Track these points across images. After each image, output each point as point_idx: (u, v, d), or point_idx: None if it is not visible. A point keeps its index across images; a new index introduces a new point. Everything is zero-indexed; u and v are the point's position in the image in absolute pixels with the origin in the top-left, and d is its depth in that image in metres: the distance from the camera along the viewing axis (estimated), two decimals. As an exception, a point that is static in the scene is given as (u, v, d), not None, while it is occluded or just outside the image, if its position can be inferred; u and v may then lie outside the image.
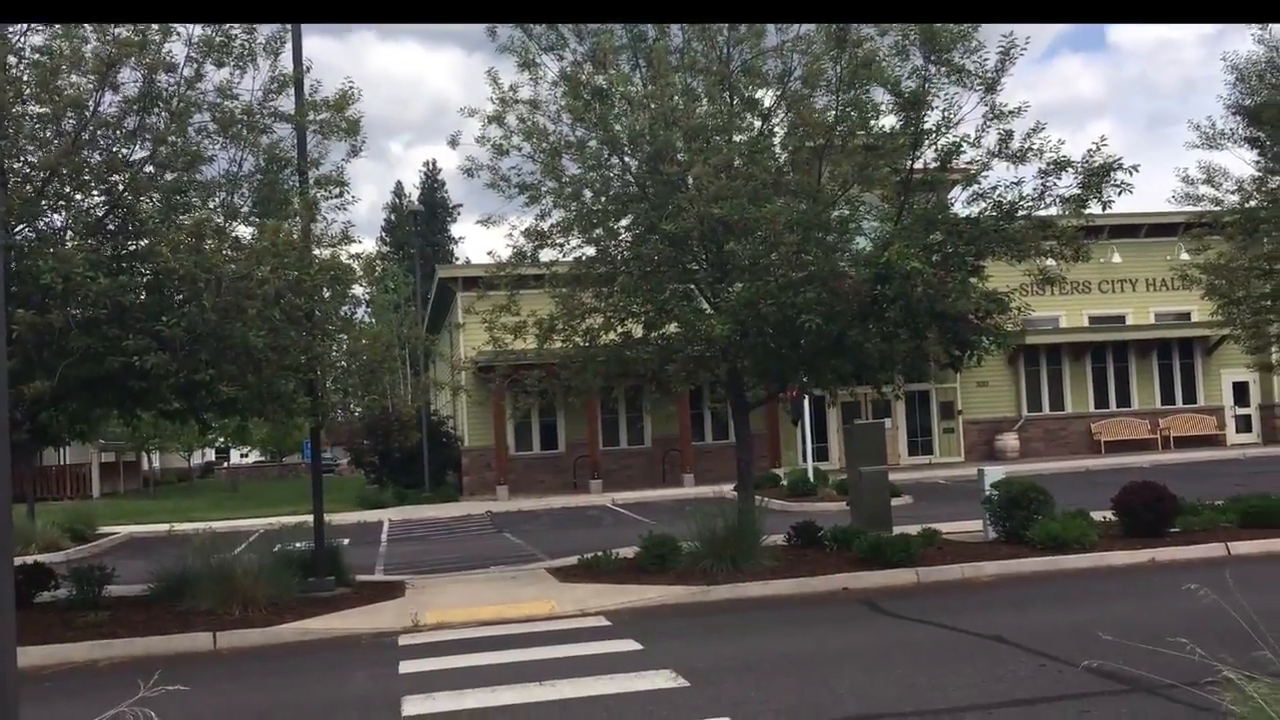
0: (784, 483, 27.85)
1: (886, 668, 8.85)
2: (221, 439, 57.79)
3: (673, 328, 15.26)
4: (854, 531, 14.98)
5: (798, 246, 13.29)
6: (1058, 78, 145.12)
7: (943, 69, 13.56)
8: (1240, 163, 18.21)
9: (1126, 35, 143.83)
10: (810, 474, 27.66)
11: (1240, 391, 37.40)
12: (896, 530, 15.26)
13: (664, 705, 8.00)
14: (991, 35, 14.09)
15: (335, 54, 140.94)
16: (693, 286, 15.44)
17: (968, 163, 14.29)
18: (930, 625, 10.71)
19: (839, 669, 8.89)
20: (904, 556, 13.70)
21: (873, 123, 14.15)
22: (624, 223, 15.56)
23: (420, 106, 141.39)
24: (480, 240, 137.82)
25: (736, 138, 14.99)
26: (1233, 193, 17.83)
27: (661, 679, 8.79)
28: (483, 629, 11.87)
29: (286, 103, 13.97)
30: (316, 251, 13.77)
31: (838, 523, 16.22)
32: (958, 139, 13.91)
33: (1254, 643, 4.60)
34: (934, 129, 13.92)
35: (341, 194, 14.29)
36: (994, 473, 16.20)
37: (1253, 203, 17.73)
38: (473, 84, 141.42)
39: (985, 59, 13.56)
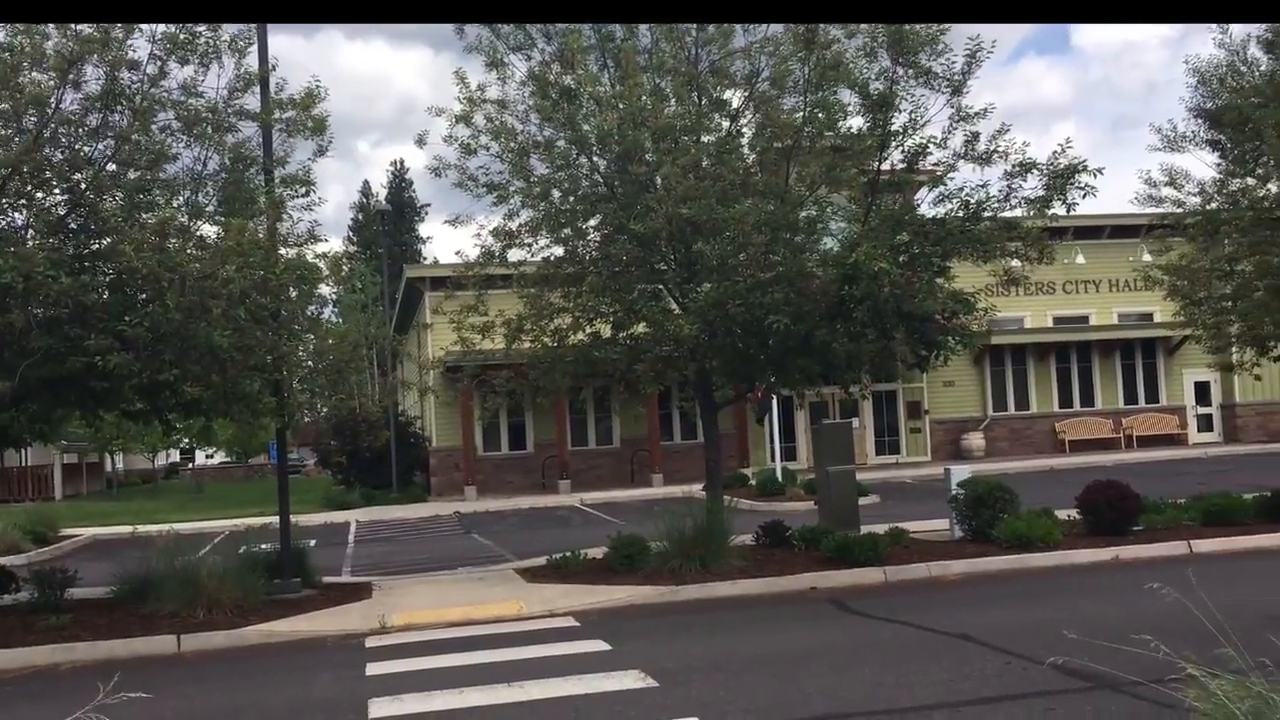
0: (752, 482, 27.91)
1: (855, 666, 8.89)
2: (186, 440, 57.23)
3: (641, 328, 15.26)
4: (822, 531, 15.03)
5: (766, 247, 13.33)
6: (1023, 80, 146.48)
7: (910, 71, 13.64)
8: (1202, 165, 18.37)
9: (1090, 38, 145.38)
10: (778, 474, 27.72)
11: (1202, 391, 37.83)
12: (864, 529, 15.33)
13: (632, 706, 7.99)
14: (958, 37, 14.23)
15: (301, 52, 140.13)
16: (661, 287, 15.45)
17: (934, 164, 14.38)
18: (898, 624, 10.76)
19: (807, 668, 8.91)
20: (871, 555, 13.76)
21: (840, 124, 14.20)
22: (592, 223, 15.55)
23: (387, 105, 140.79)
24: (448, 240, 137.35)
25: (705, 138, 15.01)
26: (1194, 195, 18.01)
27: (630, 679, 8.78)
28: (450, 630, 11.83)
29: (252, 101, 13.90)
30: (282, 251, 13.68)
31: (806, 522, 16.28)
32: (924, 140, 14.00)
33: (1216, 640, 4.65)
34: (901, 130, 13.99)
35: (308, 193, 14.20)
36: (960, 472, 16.31)
37: (1214, 205, 17.92)
38: (441, 83, 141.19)
39: (952, 61, 13.66)
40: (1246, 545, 14.38)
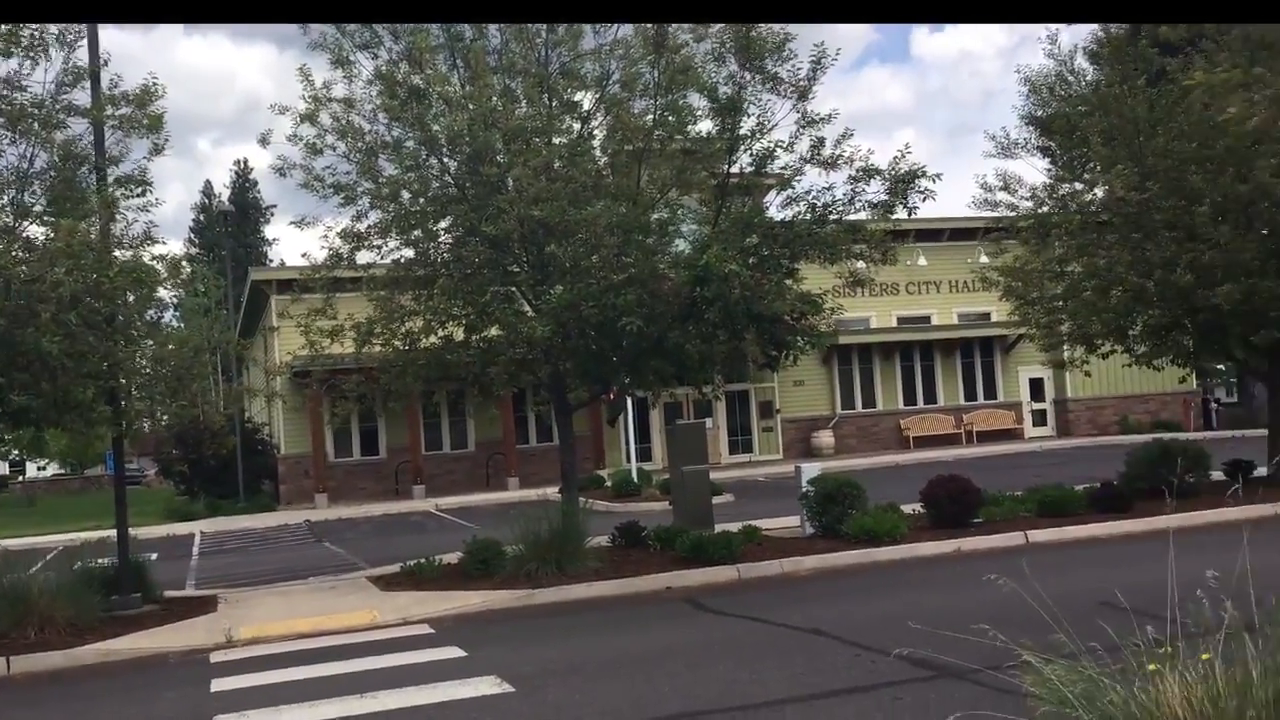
0: (608, 484, 27.97)
1: (710, 664, 8.97)
2: (15, 452, 54.37)
3: (494, 330, 15.14)
4: (677, 530, 15.14)
5: (618, 249, 13.39)
6: (867, 87, 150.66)
7: (757, 76, 13.89)
8: (1034, 171, 19.28)
9: (930, 47, 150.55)
10: (634, 474, 27.83)
11: (1036, 387, 39.50)
12: (718, 528, 15.49)
13: (488, 712, 7.92)
14: (804, 44, 14.62)
15: (137, 47, 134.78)
16: (514, 289, 15.35)
17: (782, 168, 14.66)
18: (752, 621, 10.92)
19: (663, 667, 8.96)
20: (725, 554, 13.90)
21: (690, 127, 14.38)
22: (443, 224, 15.34)
23: (230, 103, 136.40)
24: (295, 242, 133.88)
25: (556, 140, 14.97)
26: (1027, 199, 18.85)
27: (485, 685, 8.69)
28: (300, 642, 11.52)
29: (83, 96, 13.32)
30: (117, 253, 13.15)
31: (661, 522, 16.36)
32: (772, 145, 14.27)
33: (1050, 627, 4.84)
34: (749, 134, 14.23)
35: (144, 193, 13.67)
36: (810, 469, 16.63)
37: (1045, 209, 18.79)
38: (285, 80, 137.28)
39: (798, 67, 13.96)
40: (1079, 535, 15.05)
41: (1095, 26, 33.91)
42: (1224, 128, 13.52)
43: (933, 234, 36.56)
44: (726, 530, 15.02)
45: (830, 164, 14.20)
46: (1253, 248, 16.35)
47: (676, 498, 17.28)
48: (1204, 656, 4.34)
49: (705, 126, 14.48)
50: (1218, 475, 17.51)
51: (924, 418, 38.03)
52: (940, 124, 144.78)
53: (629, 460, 30.06)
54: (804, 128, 14.17)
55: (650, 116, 14.47)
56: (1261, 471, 17.60)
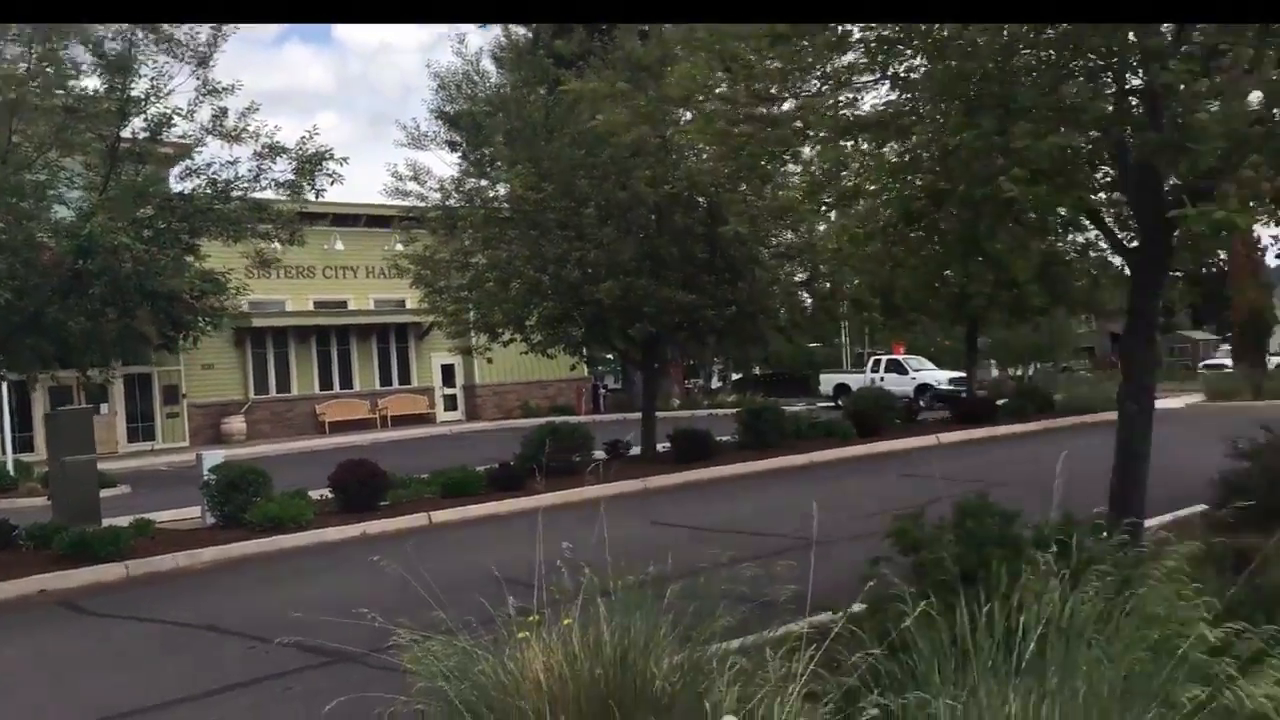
0: (-23, 479, 24.75)
1: (89, 672, 8.32)
2: None
3: None
4: (55, 527, 13.77)
5: (-16, 212, 11.83)
6: (287, 65, 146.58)
7: (151, 35, 12.92)
8: (443, 164, 19.97)
9: (352, 34, 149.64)
10: (10, 467, 24.96)
11: (448, 373, 40.95)
12: (107, 522, 14.37)
13: None
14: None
15: None
16: None
17: (181, 137, 13.82)
18: (140, 621, 10.29)
19: (25, 682, 8.12)
20: (113, 550, 13.00)
21: (73, 83, 13.04)
22: None
23: None
24: None
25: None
26: (436, 190, 19.47)
27: None
28: None
29: None
30: None
31: (40, 519, 14.82)
32: (169, 111, 13.36)
33: (440, 604, 4.99)
34: (143, 97, 13.22)
35: None
36: (213, 457, 16.01)
37: (453, 201, 19.51)
38: None
39: (197, 32, 13.19)
40: (479, 513, 15.82)
41: (499, 33, 35.47)
42: (606, 138, 14.84)
43: (350, 219, 36.49)
44: (115, 524, 13.99)
45: (234, 137, 13.62)
46: (630, 249, 18.18)
47: (55, 491, 15.69)
48: (565, 621, 4.69)
49: (93, 84, 13.21)
50: (600, 454, 19.28)
51: (340, 403, 37.91)
52: (363, 110, 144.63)
53: (6, 451, 26.83)
54: (205, 96, 13.44)
55: (25, 65, 12.88)
56: (636, 450, 19.71)
